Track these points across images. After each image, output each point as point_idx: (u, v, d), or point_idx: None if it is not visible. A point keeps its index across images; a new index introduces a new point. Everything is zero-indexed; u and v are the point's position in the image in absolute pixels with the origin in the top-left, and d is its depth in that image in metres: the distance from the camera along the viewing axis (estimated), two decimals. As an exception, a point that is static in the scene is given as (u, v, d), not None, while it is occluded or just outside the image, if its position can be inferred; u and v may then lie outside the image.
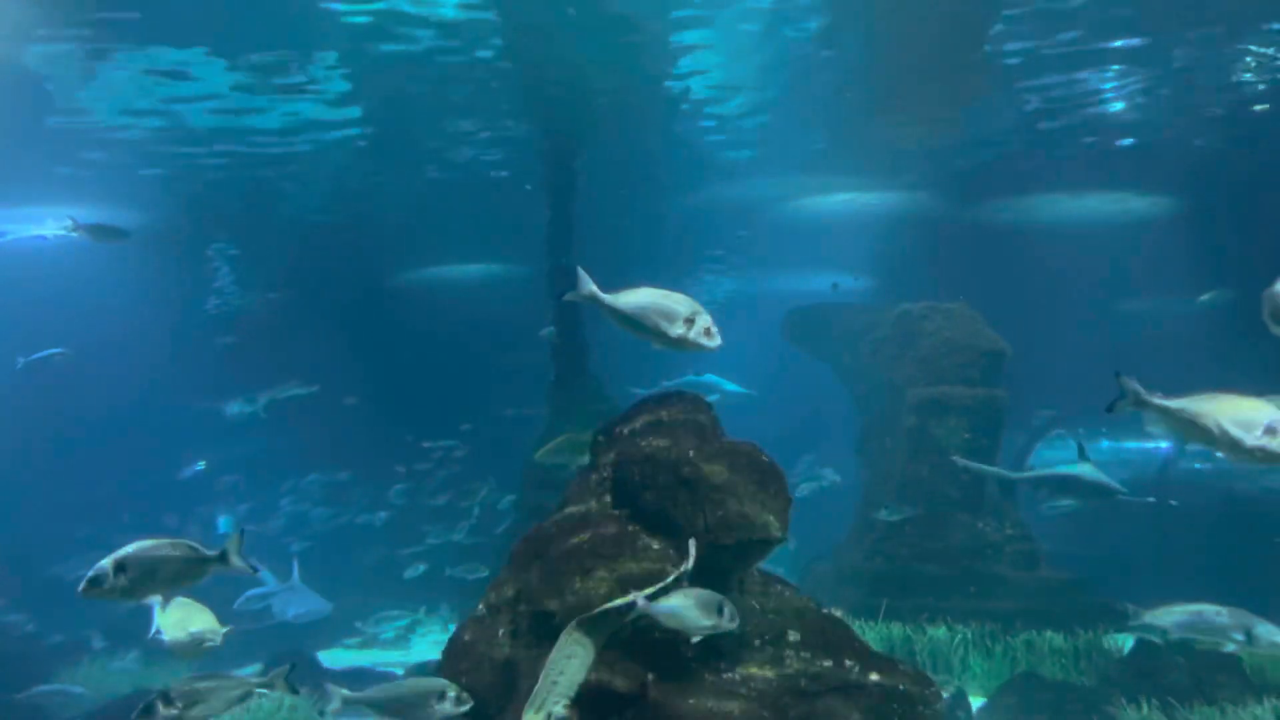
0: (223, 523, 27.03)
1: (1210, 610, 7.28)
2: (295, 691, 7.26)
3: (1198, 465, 23.37)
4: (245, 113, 17.78)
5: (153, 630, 7.70)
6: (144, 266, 24.75)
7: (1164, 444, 24.52)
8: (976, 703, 11.86)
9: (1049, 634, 12.95)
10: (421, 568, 20.12)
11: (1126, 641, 12.63)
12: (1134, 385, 5.96)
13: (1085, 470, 12.45)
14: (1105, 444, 25.33)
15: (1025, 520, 15.28)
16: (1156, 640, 11.85)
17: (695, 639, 6.74)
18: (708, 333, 6.23)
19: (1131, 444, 25.09)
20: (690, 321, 6.24)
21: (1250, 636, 6.86)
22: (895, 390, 16.12)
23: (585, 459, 13.61)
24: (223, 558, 6.70)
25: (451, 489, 23.42)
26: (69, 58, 15.22)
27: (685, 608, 6.57)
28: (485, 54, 15.79)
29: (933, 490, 14.96)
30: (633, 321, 6.44)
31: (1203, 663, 10.26)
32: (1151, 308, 22.58)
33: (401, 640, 20.02)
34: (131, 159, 19.65)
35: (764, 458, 7.40)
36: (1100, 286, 21.61)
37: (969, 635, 13.07)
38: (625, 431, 8.09)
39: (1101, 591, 14.44)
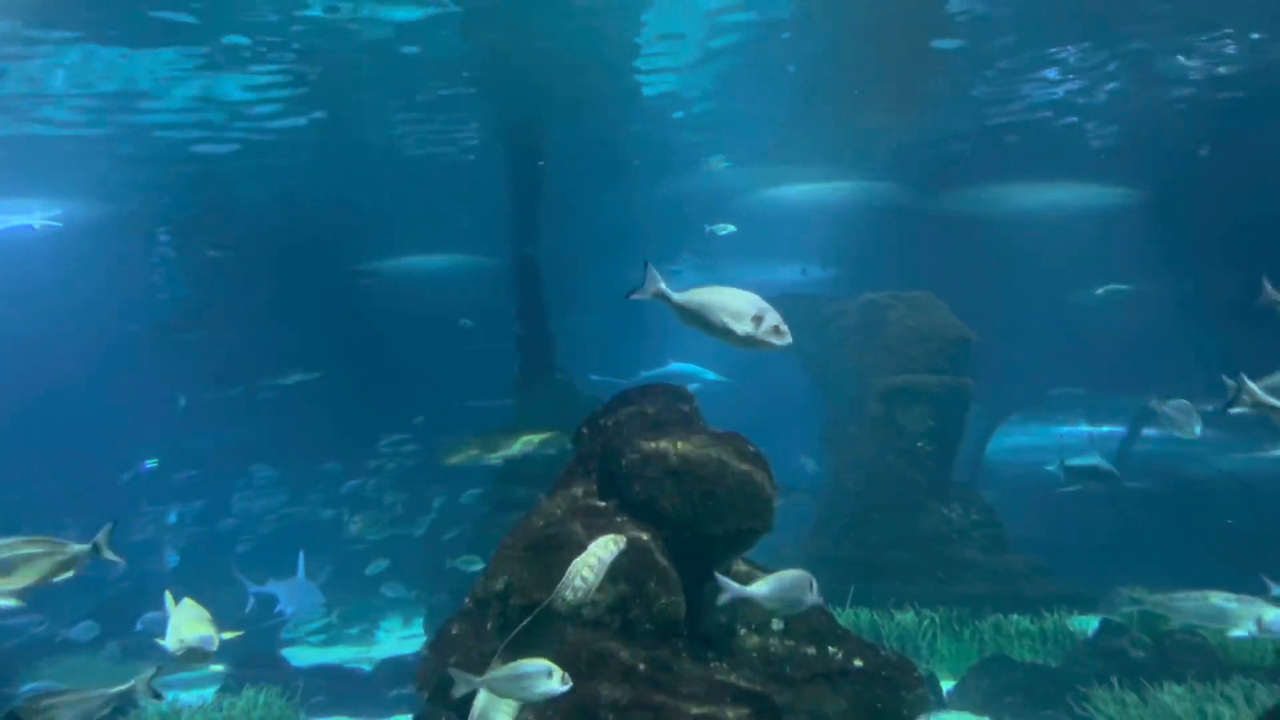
0: (173, 517, 26.71)
1: (1219, 597, 7.32)
2: (159, 696, 7.15)
3: (1148, 448, 23.89)
4: (194, 97, 17.42)
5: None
6: (93, 257, 24.35)
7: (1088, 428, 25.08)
8: (946, 685, 12.05)
9: (1015, 617, 13.16)
10: (384, 564, 19.98)
11: (1091, 623, 12.89)
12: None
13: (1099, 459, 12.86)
14: (1062, 429, 25.82)
15: (991, 505, 15.53)
16: (1122, 621, 12.15)
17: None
18: (776, 330, 6.19)
19: (1081, 428, 25.59)
20: (758, 319, 6.21)
21: (1261, 624, 6.89)
22: (862, 379, 16.28)
23: (494, 460, 13.64)
24: (95, 550, 6.76)
25: (408, 483, 23.39)
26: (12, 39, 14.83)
27: (784, 588, 7.08)
28: (446, 40, 15.64)
29: (900, 477, 15.14)
30: (700, 319, 6.40)
31: (1170, 643, 10.52)
32: (1109, 296, 22.95)
33: (366, 636, 19.88)
34: (77, 146, 19.20)
35: (751, 448, 7.46)
36: (1060, 275, 21.93)
37: (937, 619, 13.24)
38: (610, 423, 8.12)
39: (1066, 575, 14.73)
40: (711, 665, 7.41)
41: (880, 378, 15.68)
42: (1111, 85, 17.98)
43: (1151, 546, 18.99)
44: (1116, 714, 9.21)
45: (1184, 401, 10.93)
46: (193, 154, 19.90)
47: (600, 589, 7.10)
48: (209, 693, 13.32)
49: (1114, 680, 9.66)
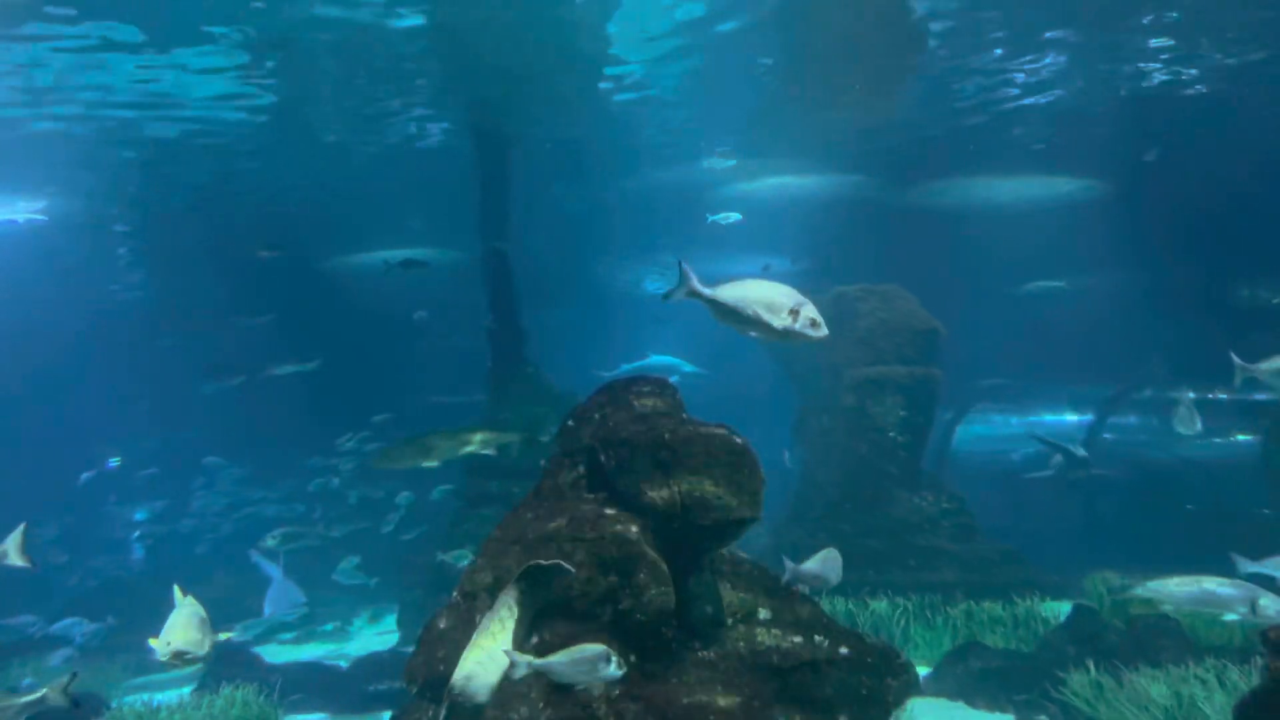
0: (139, 516, 26.49)
1: (1213, 582, 7.44)
2: (77, 705, 7.14)
3: (1108, 436, 24.37)
4: (150, 85, 17.18)
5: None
6: (48, 252, 24.02)
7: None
8: (922, 672, 12.19)
9: (987, 604, 13.36)
10: (355, 560, 19.91)
11: (1061, 608, 13.12)
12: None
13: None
14: (1014, 420, 26.26)
15: (961, 494, 15.75)
16: (1092, 605, 12.38)
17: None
18: (813, 323, 6.22)
19: (1048, 418, 26.05)
20: (795, 313, 6.22)
21: (1255, 609, 7.00)
22: (833, 371, 16.43)
23: (431, 463, 13.55)
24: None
25: (371, 480, 23.36)
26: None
27: (830, 563, 8.36)
28: (412, 29, 15.56)
29: (872, 467, 15.33)
30: (736, 314, 6.40)
31: (1142, 626, 10.73)
32: (1072, 287, 23.35)
33: (339, 633, 19.81)
34: (32, 138, 18.89)
35: (737, 440, 7.53)
36: (1023, 268, 22.29)
37: (910, 607, 13.42)
38: (596, 416, 8.16)
39: (1034, 561, 14.98)
40: (700, 655, 7.49)
41: (852, 369, 15.84)
42: (1071, 80, 18.26)
43: (1115, 532, 19.38)
44: (1092, 697, 9.38)
45: (1189, 401, 11.19)
46: (143, 138, 19.61)
47: (591, 581, 7.20)
48: (186, 691, 13.24)
49: (1089, 664, 9.81)
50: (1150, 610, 11.56)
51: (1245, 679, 9.09)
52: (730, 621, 7.86)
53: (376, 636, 19.06)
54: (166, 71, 16.40)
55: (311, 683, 13.70)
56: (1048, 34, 16.30)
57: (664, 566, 7.27)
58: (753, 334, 6.43)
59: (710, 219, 20.00)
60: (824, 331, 6.26)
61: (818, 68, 17.54)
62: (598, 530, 7.27)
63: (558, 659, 5.76)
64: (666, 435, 7.46)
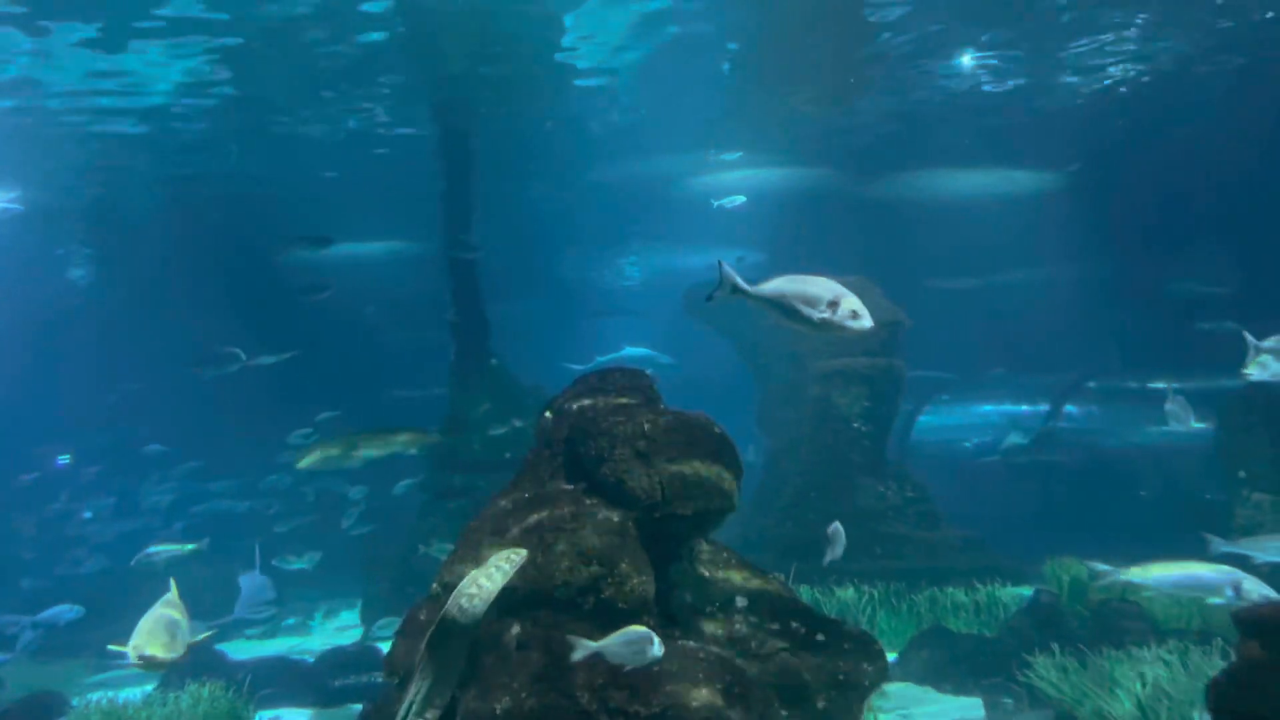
0: (87, 514, 26.04)
1: (1197, 567, 7.59)
2: None
3: (1063, 425, 24.82)
4: (107, 76, 16.90)
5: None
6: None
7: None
8: (889, 658, 12.38)
9: (950, 590, 13.57)
10: (316, 556, 19.79)
11: (1022, 593, 13.37)
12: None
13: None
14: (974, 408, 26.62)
15: (924, 482, 15.96)
16: (1054, 591, 12.63)
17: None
18: (854, 315, 6.23)
19: (987, 408, 26.45)
20: (834, 305, 6.24)
21: (1239, 592, 7.14)
22: (797, 362, 16.58)
23: (354, 463, 13.49)
24: None
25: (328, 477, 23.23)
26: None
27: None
28: (373, 17, 15.45)
29: (837, 456, 15.49)
30: (777, 309, 6.42)
31: (1106, 610, 10.97)
32: (1031, 278, 23.75)
33: (301, 628, 19.68)
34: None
35: (716, 429, 7.61)
36: (983, 259, 22.61)
37: (876, 594, 13.60)
38: (574, 407, 8.18)
39: (995, 547, 15.23)
40: (680, 643, 7.53)
41: (817, 361, 15.99)
42: (1030, 75, 18.56)
43: (1068, 518, 19.75)
44: (1058, 680, 9.57)
45: (1182, 398, 11.43)
46: (98, 134, 19.30)
47: (573, 571, 7.23)
48: (149, 688, 13.07)
49: (1054, 647, 10.01)
50: (1111, 594, 11.83)
51: (1207, 660, 9.34)
52: (709, 610, 7.94)
53: (337, 632, 18.97)
54: (125, 60, 16.16)
55: (278, 678, 13.61)
56: (1002, 28, 16.56)
57: (645, 556, 7.32)
58: (795, 328, 6.47)
59: (715, 204, 20.04)
60: (867, 323, 6.30)
61: (777, 59, 17.65)
62: (579, 520, 7.30)
63: (611, 641, 6.24)
64: (646, 426, 7.51)
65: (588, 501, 7.48)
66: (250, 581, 17.30)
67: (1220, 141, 19.76)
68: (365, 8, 14.70)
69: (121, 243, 25.57)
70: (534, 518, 7.36)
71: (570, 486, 7.69)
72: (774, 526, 14.88)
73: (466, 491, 16.94)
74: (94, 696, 12.60)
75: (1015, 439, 21.80)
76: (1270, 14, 16.22)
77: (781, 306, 6.45)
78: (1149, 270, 22.56)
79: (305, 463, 13.35)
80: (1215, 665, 9.36)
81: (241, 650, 16.81)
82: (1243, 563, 8.26)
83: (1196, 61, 17.99)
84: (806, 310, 6.34)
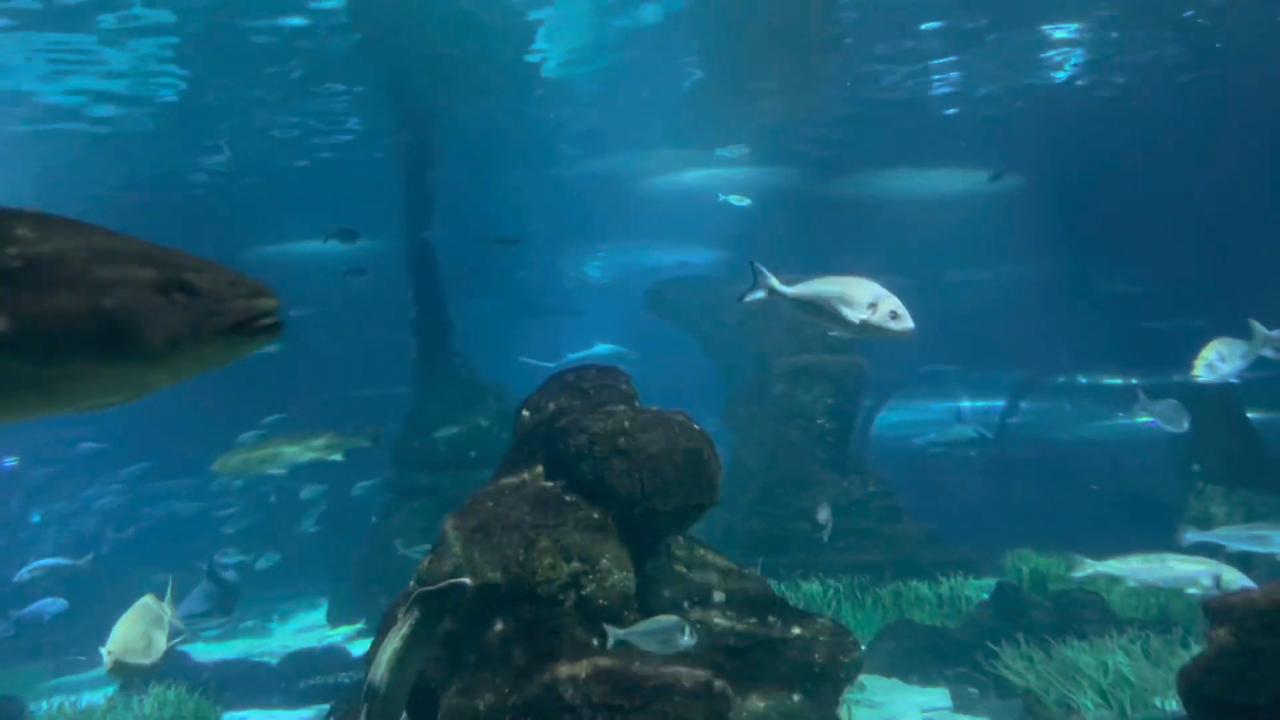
0: (35, 518, 25.60)
1: (1176, 559, 7.74)
2: None
3: (1015, 420, 25.29)
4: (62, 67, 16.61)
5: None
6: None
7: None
8: (858, 650, 12.56)
9: (914, 582, 13.76)
10: (275, 557, 19.64)
11: (984, 585, 13.58)
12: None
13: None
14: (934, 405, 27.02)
15: (887, 477, 16.18)
16: (1015, 583, 12.87)
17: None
18: (894, 315, 6.16)
19: (939, 404, 26.87)
20: (874, 306, 6.18)
21: (1219, 584, 7.28)
22: (761, 360, 16.72)
23: (274, 468, 13.30)
24: None
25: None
26: None
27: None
28: (335, 21, 15.37)
29: (802, 452, 15.64)
30: (815, 310, 6.36)
31: (1067, 600, 11.21)
32: (989, 277, 24.15)
33: (260, 629, 19.51)
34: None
35: (695, 426, 7.70)
36: (939, 257, 22.92)
37: (841, 588, 13.75)
38: (551, 405, 8.23)
39: (956, 540, 15.48)
40: (660, 638, 7.64)
41: (781, 358, 16.14)
42: (988, 75, 18.87)
43: (1022, 510, 20.10)
44: (1023, 669, 9.78)
45: (1173, 400, 11.62)
46: (55, 130, 18.95)
47: (555, 568, 7.27)
48: (111, 690, 12.89)
49: (1019, 637, 10.22)
50: (1069, 585, 12.09)
51: (1167, 648, 9.60)
52: (687, 605, 8.03)
53: (296, 633, 18.84)
54: (77, 58, 15.90)
55: (243, 679, 13.50)
56: (961, 22, 16.82)
57: (626, 552, 7.39)
58: (833, 330, 6.41)
59: (722, 198, 20.08)
60: (908, 324, 6.17)
61: (740, 58, 17.78)
62: (560, 517, 7.35)
63: (640, 629, 6.48)
64: (626, 423, 7.58)
65: (568, 498, 7.53)
66: (195, 592, 17.10)
67: (1156, 149, 20.40)
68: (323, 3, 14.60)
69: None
70: (514, 514, 7.39)
71: (551, 484, 7.73)
72: (740, 522, 15.00)
73: (431, 491, 16.90)
74: (55, 701, 12.43)
75: (959, 432, 22.15)
76: (1219, 44, 16.78)
77: (819, 308, 6.40)
78: (1085, 270, 23.10)
79: (224, 468, 13.03)
80: (1175, 653, 9.64)
81: (201, 652, 16.64)
82: (1216, 552, 8.49)
83: (1136, 70, 18.49)
84: (846, 311, 6.27)
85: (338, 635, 17.11)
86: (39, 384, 2.23)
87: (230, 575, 17.47)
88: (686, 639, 6.11)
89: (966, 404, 25.12)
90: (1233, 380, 9.59)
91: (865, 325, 6.22)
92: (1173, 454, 15.81)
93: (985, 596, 12.63)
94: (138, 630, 7.75)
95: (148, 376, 2.36)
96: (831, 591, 13.78)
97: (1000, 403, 24.38)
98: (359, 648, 14.78)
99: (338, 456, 13.99)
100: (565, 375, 8.56)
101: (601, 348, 23.48)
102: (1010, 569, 13.74)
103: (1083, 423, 24.17)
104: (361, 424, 25.36)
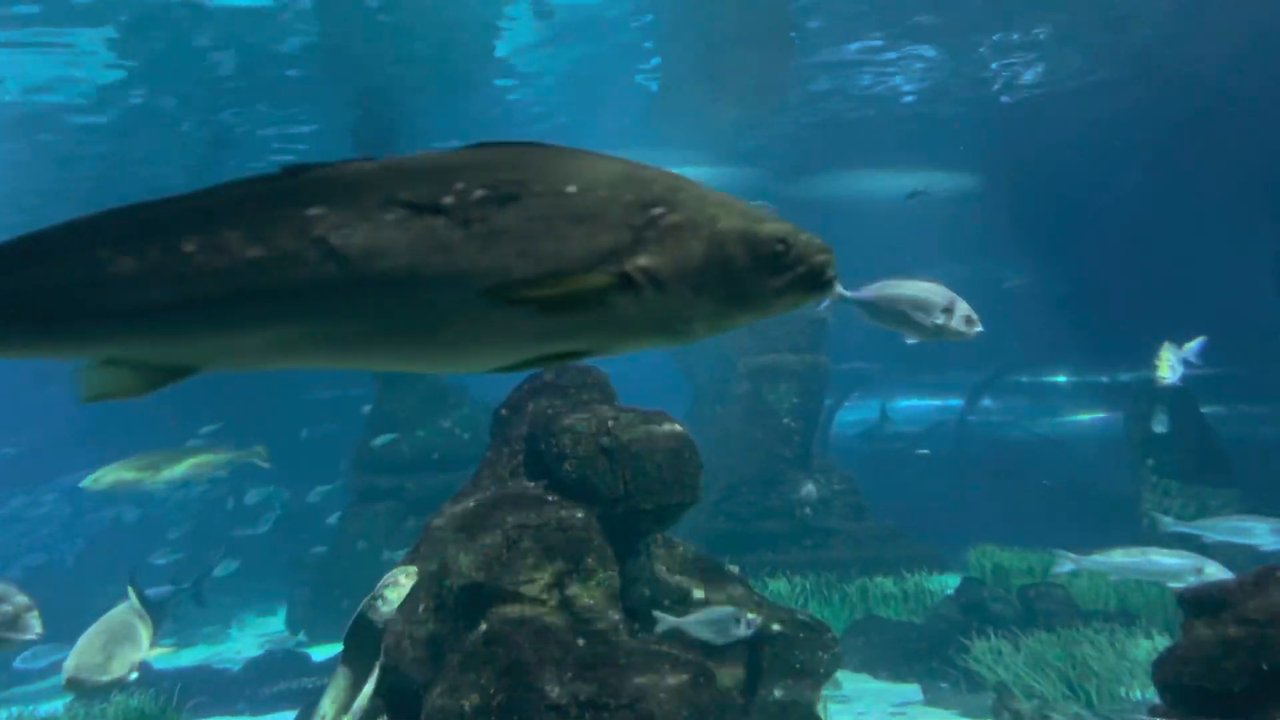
0: None
1: (1158, 553, 7.91)
2: None
3: (972, 418, 25.69)
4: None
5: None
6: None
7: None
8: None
9: (879, 579, 13.93)
10: (234, 564, 19.35)
11: (947, 581, 13.80)
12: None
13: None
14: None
15: (851, 476, 16.36)
16: (978, 577, 13.09)
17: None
18: (968, 320, 6.16)
19: (903, 403, 27.25)
20: (949, 311, 6.18)
21: (1201, 576, 7.43)
22: (725, 359, 16.82)
23: (152, 484, 12.95)
24: None
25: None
26: None
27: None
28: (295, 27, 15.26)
29: (767, 451, 15.75)
30: (885, 315, 6.31)
31: (1033, 594, 11.41)
32: (942, 276, 24.42)
33: (219, 635, 19.26)
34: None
35: (678, 426, 7.74)
36: (901, 260, 23.15)
37: (808, 586, 13.89)
38: (530, 406, 8.22)
39: (920, 537, 15.69)
40: (641, 637, 7.65)
41: (746, 358, 16.25)
42: (950, 81, 19.17)
43: (980, 506, 20.41)
44: (992, 663, 9.95)
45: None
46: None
47: (539, 567, 7.27)
48: (68, 698, 12.62)
49: (989, 631, 10.40)
50: (1032, 580, 12.34)
51: (1130, 640, 9.83)
52: (667, 603, 8.05)
53: (256, 639, 18.64)
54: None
55: (206, 687, 13.35)
56: (917, 27, 17.06)
57: (610, 551, 7.40)
58: (905, 335, 6.39)
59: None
60: (979, 328, 6.28)
61: (701, 60, 17.89)
62: (543, 516, 7.34)
63: (694, 619, 6.69)
64: (610, 422, 7.59)
65: (550, 498, 7.53)
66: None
67: (1104, 154, 20.88)
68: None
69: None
70: (497, 515, 7.37)
71: (532, 484, 7.73)
72: (706, 520, 15.06)
73: (394, 493, 16.78)
74: (12, 710, 12.18)
75: (886, 427, 22.53)
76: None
77: (890, 313, 6.44)
78: (1064, 277, 23.56)
79: (97, 484, 12.71)
80: (1138, 644, 9.88)
81: (160, 659, 16.37)
82: (1194, 543, 8.70)
83: (1086, 79, 18.95)
84: (919, 316, 6.35)
85: (298, 640, 16.93)
86: (667, 326, 2.51)
87: (161, 591, 17.22)
88: (742, 629, 6.17)
89: (915, 402, 25.50)
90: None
91: (941, 329, 6.37)
92: (1127, 449, 16.14)
93: (949, 592, 12.84)
94: (96, 645, 7.58)
95: (738, 320, 2.62)
96: (799, 589, 13.90)
97: (949, 401, 24.82)
98: (321, 653, 14.66)
99: (222, 473, 13.68)
100: (544, 375, 8.55)
101: None
102: (973, 565, 13.97)
103: (1035, 419, 24.62)
104: (308, 427, 25.16)
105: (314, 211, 2.34)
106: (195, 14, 14.42)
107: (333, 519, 19.45)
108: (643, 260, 2.40)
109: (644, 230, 2.42)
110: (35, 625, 6.05)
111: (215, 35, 15.21)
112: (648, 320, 2.47)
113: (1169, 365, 9.32)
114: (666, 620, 6.59)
